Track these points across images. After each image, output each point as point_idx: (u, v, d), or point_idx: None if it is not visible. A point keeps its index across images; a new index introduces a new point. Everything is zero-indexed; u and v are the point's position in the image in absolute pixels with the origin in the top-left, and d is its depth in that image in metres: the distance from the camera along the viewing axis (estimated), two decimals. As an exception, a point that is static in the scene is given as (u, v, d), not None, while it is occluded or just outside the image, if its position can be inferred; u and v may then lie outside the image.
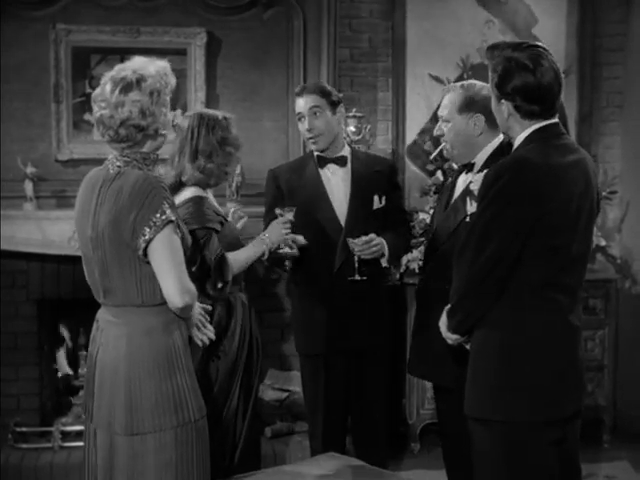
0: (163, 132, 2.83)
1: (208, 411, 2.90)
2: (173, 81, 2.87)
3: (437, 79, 5.39)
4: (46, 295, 5.06)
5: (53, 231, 4.75)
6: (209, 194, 3.57)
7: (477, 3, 5.52)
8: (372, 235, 3.65)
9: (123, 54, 4.89)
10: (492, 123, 3.14)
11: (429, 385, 4.84)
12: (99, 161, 2.98)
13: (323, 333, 3.77)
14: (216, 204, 3.60)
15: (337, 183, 3.82)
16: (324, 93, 3.77)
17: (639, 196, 5.51)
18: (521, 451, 2.68)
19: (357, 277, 3.67)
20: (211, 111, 3.66)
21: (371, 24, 5.45)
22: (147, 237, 2.67)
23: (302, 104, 3.76)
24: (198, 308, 2.95)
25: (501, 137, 3.36)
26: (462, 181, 3.46)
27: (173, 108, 2.96)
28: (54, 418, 5.01)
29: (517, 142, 2.77)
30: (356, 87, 5.44)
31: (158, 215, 2.67)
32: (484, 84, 3.28)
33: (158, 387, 2.74)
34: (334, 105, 3.79)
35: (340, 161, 3.83)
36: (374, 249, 3.65)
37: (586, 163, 2.78)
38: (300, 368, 4.02)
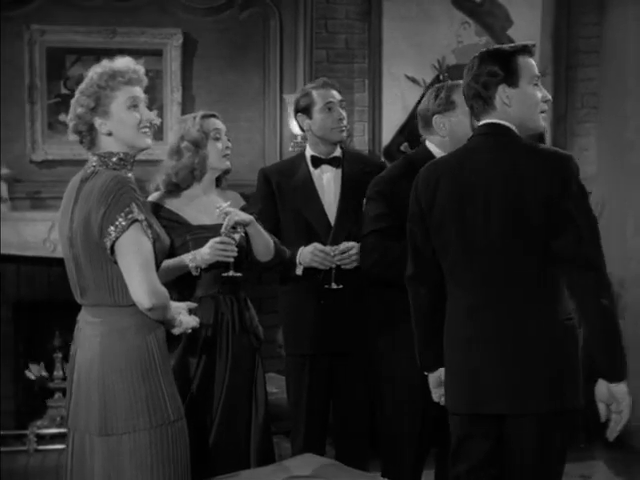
0: (105, 131, 2.81)
1: (188, 412, 2.89)
2: (119, 75, 2.83)
3: (413, 80, 5.40)
4: (22, 297, 5.03)
5: (28, 232, 4.72)
6: None
7: (453, 5, 5.54)
8: (351, 243, 3.63)
9: (98, 55, 4.86)
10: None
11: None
12: (74, 162, 3.00)
13: (309, 333, 3.77)
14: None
15: (328, 184, 3.83)
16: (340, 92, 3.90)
17: (614, 197, 5.55)
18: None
19: (333, 286, 3.65)
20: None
21: (347, 25, 5.45)
22: (112, 236, 2.67)
23: (336, 95, 3.81)
24: (180, 308, 2.95)
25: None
26: None
27: (149, 109, 2.94)
28: (29, 421, 4.98)
29: None
30: (332, 88, 5.44)
31: (124, 214, 2.67)
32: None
33: (132, 388, 2.73)
34: None
35: (334, 162, 3.84)
36: (354, 257, 3.64)
37: (495, 162, 2.76)
38: (285, 367, 4.01)
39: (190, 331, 3.05)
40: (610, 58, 5.60)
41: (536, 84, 2.81)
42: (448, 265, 2.83)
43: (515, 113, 2.77)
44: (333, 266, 3.65)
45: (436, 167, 2.90)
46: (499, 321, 2.72)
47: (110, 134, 2.82)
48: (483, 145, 2.80)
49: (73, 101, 2.85)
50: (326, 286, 3.67)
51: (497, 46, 2.92)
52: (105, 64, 2.86)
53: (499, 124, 2.78)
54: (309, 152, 3.87)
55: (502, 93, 2.76)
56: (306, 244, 3.70)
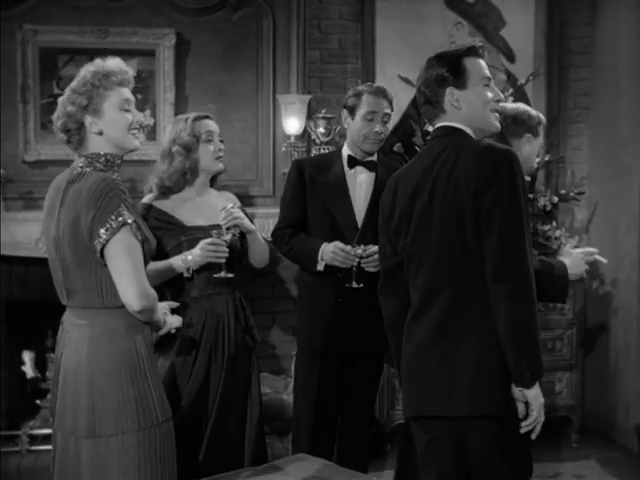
0: (96, 130, 2.80)
1: (184, 412, 2.89)
2: (112, 75, 2.83)
3: (406, 80, 5.40)
4: (14, 297, 5.02)
5: (20, 233, 4.71)
6: None
7: (446, 5, 5.55)
8: (374, 247, 3.59)
9: (91, 55, 4.85)
10: None
11: (398, 386, 4.86)
12: (67, 162, 2.98)
13: (324, 329, 3.76)
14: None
15: (360, 185, 3.82)
16: (392, 103, 3.85)
17: (606, 197, 5.56)
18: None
19: (354, 284, 3.65)
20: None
21: (340, 25, 5.45)
22: (103, 239, 2.67)
23: (380, 105, 3.78)
24: (164, 308, 2.96)
25: None
26: None
27: (141, 109, 2.94)
28: (22, 421, 4.97)
29: None
30: (326, 88, 5.44)
31: (114, 217, 2.67)
32: None
33: (120, 390, 2.73)
34: None
35: (369, 165, 3.83)
36: (377, 262, 3.59)
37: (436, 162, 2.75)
38: (295, 361, 3.99)
39: (174, 331, 3.06)
40: (602, 59, 5.61)
41: (487, 84, 2.79)
42: (406, 271, 2.83)
43: (465, 114, 2.77)
44: (355, 264, 3.64)
45: (395, 175, 2.94)
46: (437, 324, 2.70)
47: (101, 133, 2.81)
48: (433, 148, 2.80)
49: (63, 99, 2.84)
50: (347, 284, 3.67)
51: (443, 50, 2.90)
52: (98, 63, 2.86)
53: (450, 126, 2.78)
54: (346, 151, 3.86)
55: (450, 96, 2.76)
56: (330, 240, 3.69)
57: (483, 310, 2.64)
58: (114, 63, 2.87)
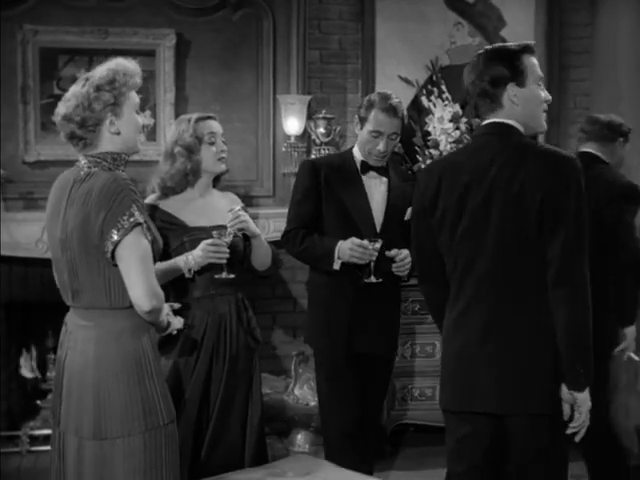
0: (115, 130, 2.78)
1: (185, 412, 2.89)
2: (130, 78, 2.81)
3: (406, 81, 5.41)
4: (14, 298, 5.02)
5: (20, 233, 4.71)
6: None
7: (446, 5, 5.54)
8: (405, 251, 3.64)
9: (91, 55, 4.87)
10: None
11: (399, 386, 4.87)
12: (67, 163, 2.97)
13: (344, 330, 3.71)
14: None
15: (377, 190, 3.78)
16: (403, 120, 3.75)
17: (606, 197, 5.56)
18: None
19: (373, 279, 3.62)
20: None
21: (340, 26, 5.45)
22: (115, 239, 2.65)
23: (387, 125, 3.69)
24: (167, 308, 2.95)
25: None
26: None
27: (142, 109, 2.94)
28: (22, 422, 4.96)
29: None
30: (326, 88, 5.44)
31: (126, 217, 2.65)
32: None
33: (127, 392, 2.72)
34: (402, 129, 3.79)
35: (381, 170, 3.80)
36: (407, 266, 3.67)
37: (493, 161, 2.76)
38: (315, 367, 3.93)
39: (175, 332, 3.06)
40: (602, 59, 5.61)
41: (540, 84, 2.82)
42: (449, 264, 2.83)
43: (521, 112, 2.78)
44: (373, 259, 3.61)
45: (437, 165, 2.91)
46: (489, 322, 2.72)
47: (118, 134, 2.79)
48: (487, 144, 2.79)
49: (84, 94, 2.75)
50: (365, 280, 3.64)
51: (501, 44, 2.92)
52: (120, 62, 2.83)
53: (504, 123, 2.78)
54: (357, 153, 3.82)
55: (510, 92, 2.76)
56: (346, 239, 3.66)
57: (540, 311, 2.68)
58: (133, 65, 2.85)
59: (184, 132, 3.59)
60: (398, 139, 3.78)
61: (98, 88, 2.75)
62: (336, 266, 3.66)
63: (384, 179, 3.80)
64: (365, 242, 3.60)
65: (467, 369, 2.76)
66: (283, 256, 3.90)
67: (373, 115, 3.69)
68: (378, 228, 3.72)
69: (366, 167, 3.78)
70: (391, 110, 3.68)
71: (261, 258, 3.70)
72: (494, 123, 2.80)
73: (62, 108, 2.78)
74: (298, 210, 3.79)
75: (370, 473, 3.76)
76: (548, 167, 2.67)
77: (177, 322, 3.03)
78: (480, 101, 2.82)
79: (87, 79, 2.78)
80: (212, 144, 3.61)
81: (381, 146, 3.70)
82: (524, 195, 2.65)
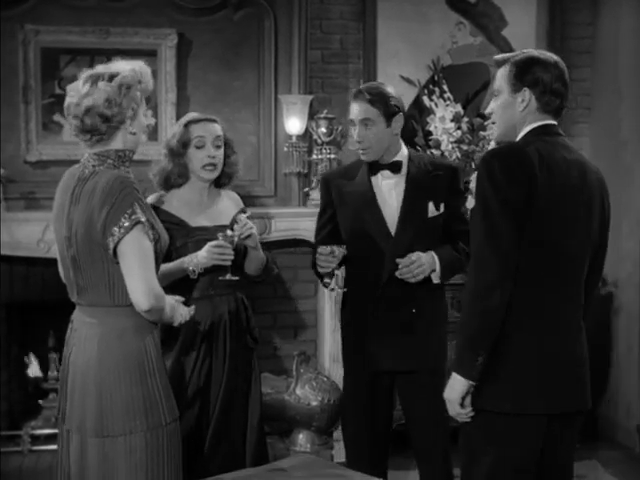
0: (133, 130, 2.81)
1: (185, 412, 2.89)
2: (149, 82, 2.86)
3: (408, 80, 5.41)
4: (15, 298, 5.02)
5: (21, 233, 4.71)
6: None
7: (447, 5, 5.54)
8: (414, 256, 3.43)
9: (93, 55, 4.87)
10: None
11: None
12: (68, 162, 2.98)
13: (368, 351, 3.54)
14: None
15: (389, 190, 3.55)
16: (378, 103, 3.45)
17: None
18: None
19: (338, 289, 3.57)
20: None
21: (342, 25, 5.45)
22: (116, 237, 2.67)
23: (355, 111, 3.48)
24: (175, 300, 2.93)
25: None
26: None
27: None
28: (23, 421, 4.97)
29: (519, 136, 2.84)
30: (327, 88, 5.43)
31: (127, 215, 2.67)
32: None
33: (129, 390, 2.73)
34: (389, 116, 3.47)
35: (394, 167, 3.54)
36: (416, 271, 3.42)
37: (585, 165, 2.84)
38: (344, 386, 3.82)
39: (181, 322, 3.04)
40: (603, 58, 5.61)
41: None
42: (529, 260, 2.71)
43: None
44: (333, 266, 3.44)
45: (534, 157, 2.70)
46: (575, 323, 2.90)
47: (134, 133, 2.82)
48: (568, 147, 2.85)
49: (115, 91, 2.74)
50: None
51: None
52: (141, 64, 2.86)
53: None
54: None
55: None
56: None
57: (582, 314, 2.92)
58: (146, 67, 2.89)
59: (173, 135, 3.60)
60: (377, 128, 3.46)
61: (129, 86, 2.77)
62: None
63: (401, 176, 3.55)
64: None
65: (561, 370, 2.86)
66: (283, 257, 3.90)
67: (350, 106, 3.54)
68: (393, 231, 3.51)
69: (375, 168, 3.56)
70: (358, 94, 3.48)
71: (255, 264, 3.69)
72: (557, 126, 2.88)
73: (86, 100, 2.74)
74: (317, 227, 3.71)
75: (383, 476, 3.70)
76: (604, 183, 2.98)
77: (185, 312, 2.98)
78: (558, 102, 2.86)
79: (112, 76, 2.77)
80: (199, 148, 3.57)
81: (355, 135, 3.48)
82: (603, 204, 2.91)
